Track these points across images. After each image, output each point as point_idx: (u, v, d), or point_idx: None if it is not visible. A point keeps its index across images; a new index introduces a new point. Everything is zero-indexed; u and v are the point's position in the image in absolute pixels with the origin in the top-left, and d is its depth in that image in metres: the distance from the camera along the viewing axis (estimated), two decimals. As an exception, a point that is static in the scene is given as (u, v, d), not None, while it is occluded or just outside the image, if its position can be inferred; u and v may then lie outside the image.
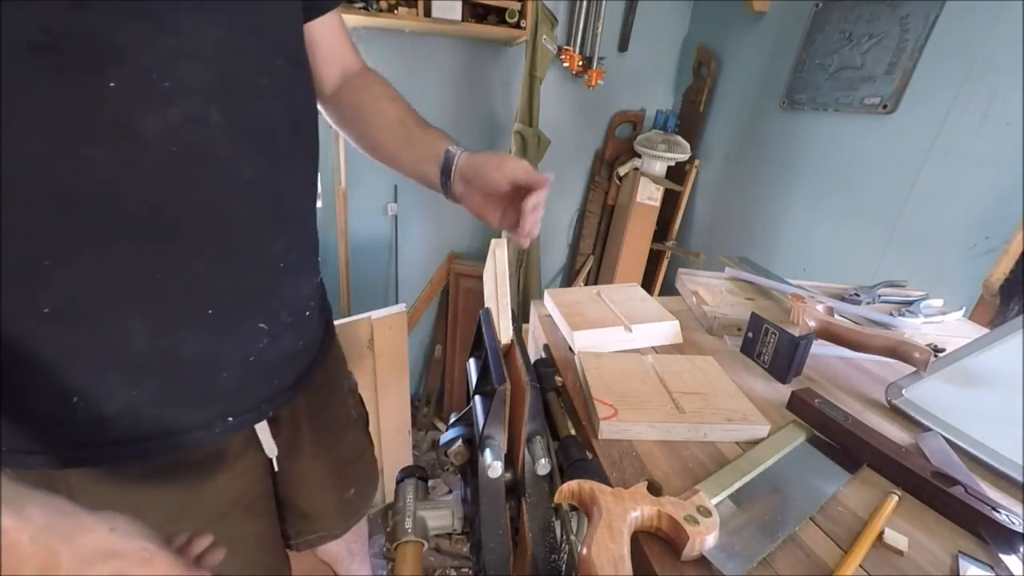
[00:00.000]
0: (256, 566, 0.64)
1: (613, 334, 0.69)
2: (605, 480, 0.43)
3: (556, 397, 0.58)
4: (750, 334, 0.70)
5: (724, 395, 0.57)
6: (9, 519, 0.29)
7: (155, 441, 0.47)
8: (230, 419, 0.51)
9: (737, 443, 0.52)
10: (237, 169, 0.44)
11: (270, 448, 0.62)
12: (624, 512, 0.39)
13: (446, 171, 0.59)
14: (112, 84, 0.36)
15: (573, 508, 0.45)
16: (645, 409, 0.53)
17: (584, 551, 0.35)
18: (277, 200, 0.49)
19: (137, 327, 0.42)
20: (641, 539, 0.41)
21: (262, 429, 0.60)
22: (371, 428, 0.89)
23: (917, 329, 0.82)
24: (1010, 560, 0.40)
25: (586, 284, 2.20)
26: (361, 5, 1.40)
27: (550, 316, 0.81)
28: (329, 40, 0.61)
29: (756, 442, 0.52)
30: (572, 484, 0.41)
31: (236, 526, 0.59)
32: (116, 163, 0.38)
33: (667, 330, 0.73)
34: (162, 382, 0.46)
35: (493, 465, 0.43)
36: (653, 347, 0.72)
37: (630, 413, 0.52)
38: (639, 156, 1.91)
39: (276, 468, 0.65)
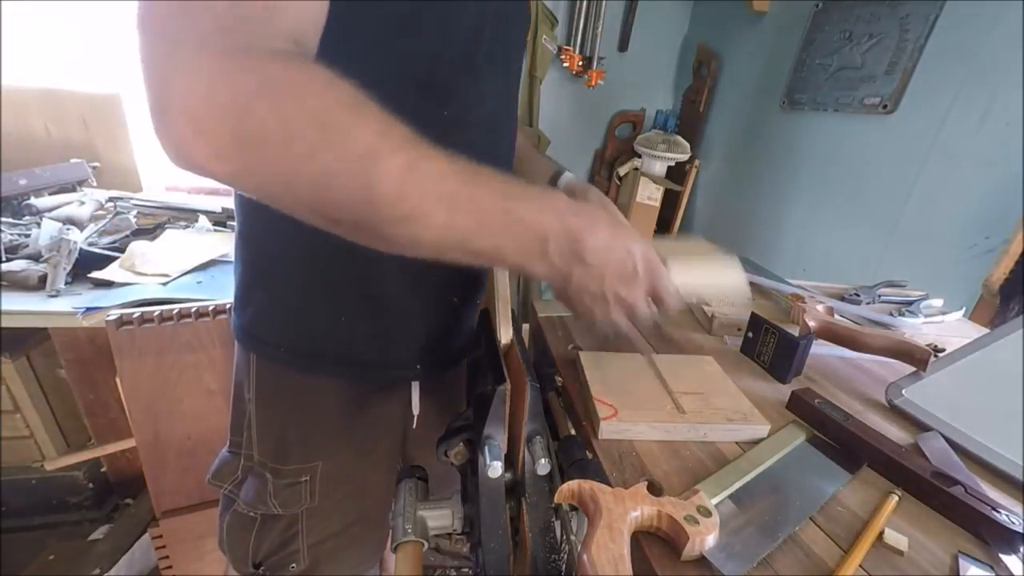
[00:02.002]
0: (364, 517, 0.72)
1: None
2: (605, 480, 0.43)
3: (556, 397, 0.58)
4: (750, 334, 0.70)
5: (724, 395, 0.57)
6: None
7: (372, 370, 0.62)
8: (418, 367, 0.64)
9: (737, 443, 0.52)
10: None
11: (416, 406, 0.72)
12: (624, 512, 0.39)
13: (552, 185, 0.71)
14: (445, 113, 0.51)
15: (573, 508, 0.45)
16: (645, 409, 0.53)
17: (584, 551, 0.35)
18: None
19: (392, 277, 0.56)
20: (641, 539, 0.41)
21: (415, 388, 0.71)
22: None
23: (917, 329, 0.82)
24: (1010, 560, 0.40)
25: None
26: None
27: (550, 317, 0.81)
28: None
29: (756, 442, 0.52)
30: (572, 484, 0.41)
31: (368, 472, 0.70)
32: None
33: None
34: (391, 324, 0.59)
35: (493, 465, 0.43)
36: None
37: (630, 413, 0.52)
38: (639, 156, 1.91)
39: (414, 425, 0.75)
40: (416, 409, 0.73)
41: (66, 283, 1.10)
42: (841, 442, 0.53)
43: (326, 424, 0.63)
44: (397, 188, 0.34)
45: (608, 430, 0.52)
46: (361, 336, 0.59)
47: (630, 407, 0.53)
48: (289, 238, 0.54)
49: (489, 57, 0.52)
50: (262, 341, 0.59)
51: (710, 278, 0.52)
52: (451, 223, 0.37)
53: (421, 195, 0.35)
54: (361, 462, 0.69)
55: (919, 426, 0.58)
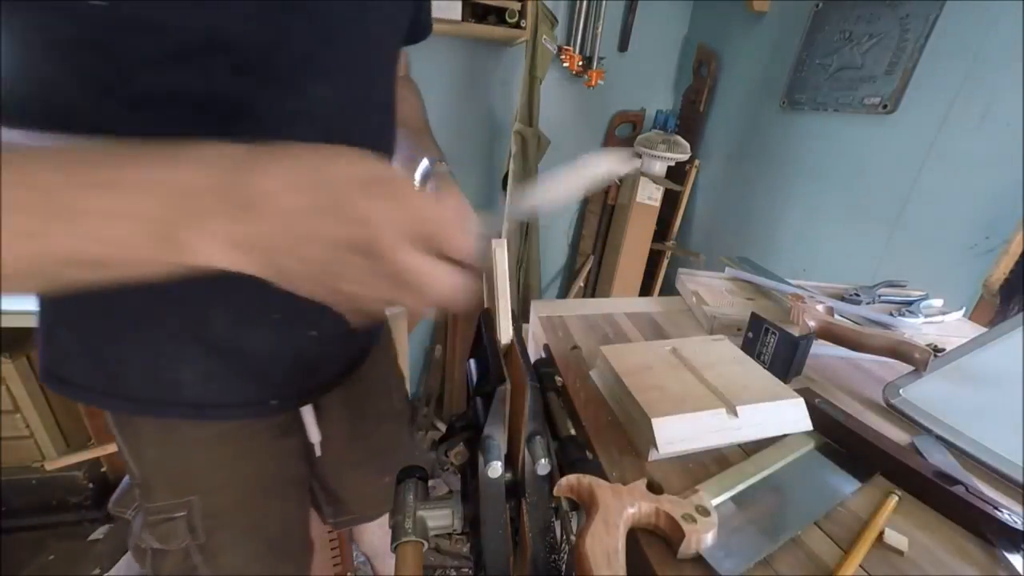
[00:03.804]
0: (275, 547, 0.68)
1: (710, 420, 0.49)
2: (605, 479, 0.43)
3: (556, 397, 0.58)
4: (750, 334, 0.70)
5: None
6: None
7: (211, 409, 0.56)
8: (273, 402, 0.60)
9: (740, 445, 0.52)
10: None
11: (314, 434, 0.69)
12: (621, 507, 0.39)
13: (421, 179, 0.60)
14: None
15: (573, 508, 0.45)
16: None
17: (578, 543, 0.35)
18: None
19: (219, 317, 0.51)
20: (640, 537, 0.41)
21: (307, 414, 0.69)
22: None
23: (917, 329, 0.82)
24: (1014, 558, 0.40)
25: (585, 284, 2.20)
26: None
27: (550, 318, 0.81)
28: None
29: (763, 446, 0.52)
30: (571, 478, 0.41)
31: (266, 503, 0.66)
32: None
33: (791, 414, 0.52)
34: (228, 363, 0.54)
35: (493, 465, 0.43)
36: (673, 347, 0.60)
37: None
38: (639, 156, 1.91)
39: (319, 453, 0.72)
40: (315, 437, 0.69)
41: (66, 283, 1.09)
42: (843, 443, 0.53)
43: (192, 461, 0.59)
44: None
45: (666, 448, 0.47)
46: (188, 381, 0.53)
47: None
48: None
49: (300, 70, 0.44)
50: (69, 383, 0.53)
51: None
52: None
53: None
54: (257, 495, 0.64)
55: (917, 426, 0.58)
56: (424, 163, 0.59)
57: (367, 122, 0.53)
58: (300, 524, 0.74)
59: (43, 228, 0.24)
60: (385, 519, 0.91)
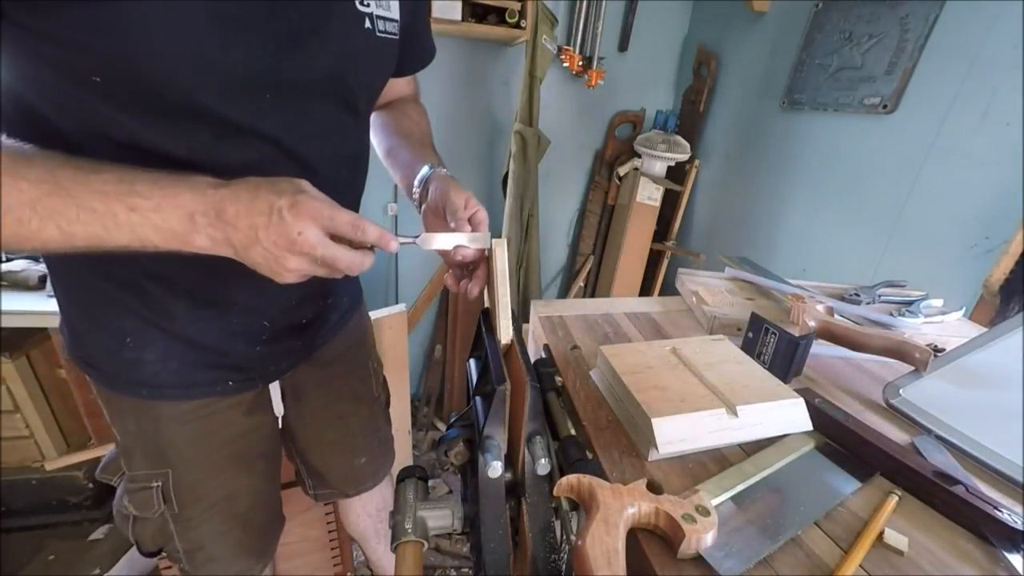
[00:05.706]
0: (241, 521, 0.73)
1: (710, 420, 0.49)
2: (605, 479, 0.43)
3: (556, 397, 0.58)
4: (750, 334, 0.70)
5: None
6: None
7: (169, 389, 0.62)
8: (230, 383, 0.66)
9: (740, 445, 0.52)
10: None
11: (278, 408, 0.75)
12: (621, 507, 0.39)
13: (419, 183, 0.65)
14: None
15: (574, 508, 0.45)
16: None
17: (579, 543, 0.35)
18: None
19: (180, 309, 0.59)
20: (641, 537, 0.41)
21: (274, 390, 0.74)
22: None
23: (917, 329, 0.82)
24: (1014, 558, 0.40)
25: (585, 284, 2.20)
26: (361, 5, 1.40)
27: (550, 318, 0.81)
28: (399, 83, 0.77)
29: (762, 446, 0.52)
30: (571, 478, 0.41)
31: (235, 477, 0.70)
32: None
33: (791, 414, 0.52)
34: (186, 348, 0.61)
35: (493, 465, 0.43)
36: (673, 347, 0.61)
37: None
38: (639, 156, 1.91)
39: (280, 425, 0.78)
40: (279, 410, 0.74)
41: (66, 283, 1.10)
42: (843, 443, 0.53)
43: (165, 436, 0.64)
44: None
45: (666, 447, 0.47)
46: (149, 360, 0.59)
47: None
48: (68, 259, 0.55)
49: (273, 145, 0.51)
50: (70, 354, 0.63)
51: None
52: (70, 236, 0.40)
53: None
54: (226, 470, 0.69)
55: (917, 426, 0.58)
56: (424, 169, 0.63)
57: (337, 174, 0.61)
58: (269, 497, 0.79)
59: (107, 234, 0.41)
60: (369, 503, 0.98)
